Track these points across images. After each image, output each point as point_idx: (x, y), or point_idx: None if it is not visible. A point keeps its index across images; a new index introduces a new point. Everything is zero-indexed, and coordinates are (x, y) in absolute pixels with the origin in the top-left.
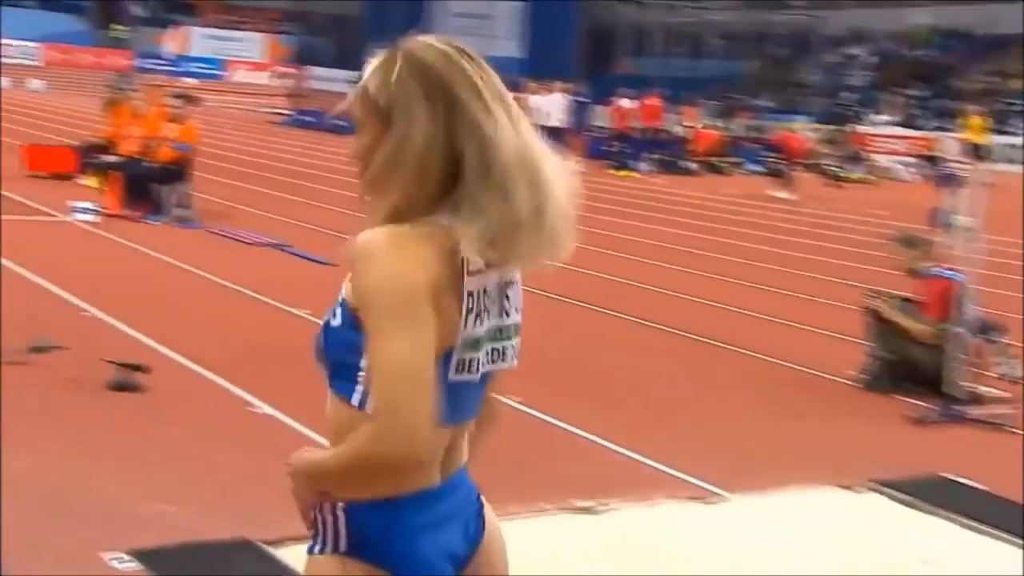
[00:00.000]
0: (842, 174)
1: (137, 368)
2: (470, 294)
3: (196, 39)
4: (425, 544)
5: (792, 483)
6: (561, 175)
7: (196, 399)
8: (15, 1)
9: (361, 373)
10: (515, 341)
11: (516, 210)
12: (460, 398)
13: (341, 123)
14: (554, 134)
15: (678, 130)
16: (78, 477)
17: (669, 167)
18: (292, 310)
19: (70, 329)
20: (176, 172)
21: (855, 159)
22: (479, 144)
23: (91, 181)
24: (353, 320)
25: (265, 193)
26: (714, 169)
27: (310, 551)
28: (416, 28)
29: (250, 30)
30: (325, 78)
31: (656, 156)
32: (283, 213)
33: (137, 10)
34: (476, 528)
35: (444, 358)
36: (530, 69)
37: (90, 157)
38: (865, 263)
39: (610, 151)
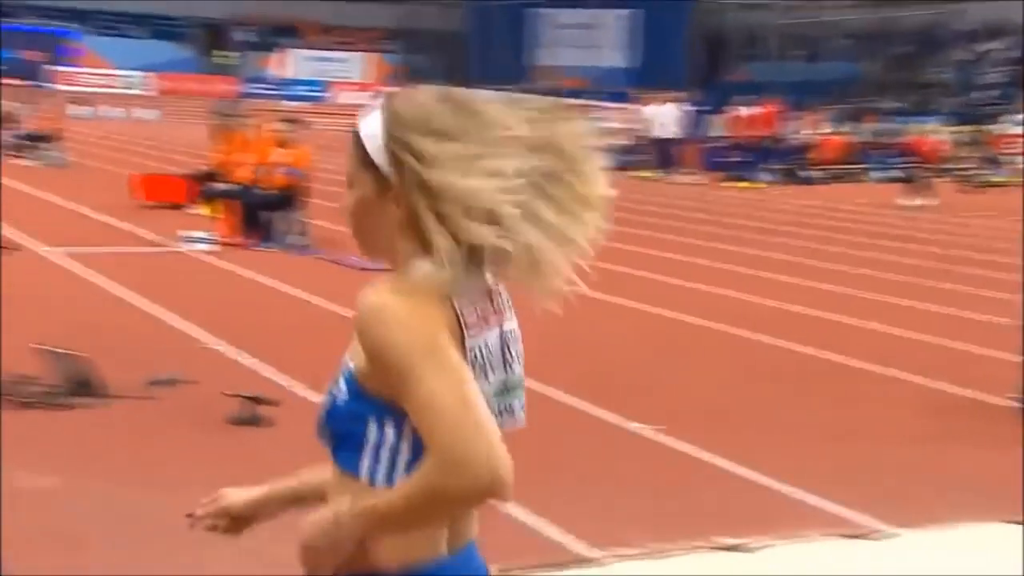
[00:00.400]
0: (981, 178)
1: (262, 401)
2: (472, 349)
3: (299, 62)
4: None
5: (960, 518)
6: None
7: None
8: (122, 31)
9: (368, 444)
10: (521, 394)
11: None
12: None
13: None
14: (667, 146)
15: (798, 137)
16: None
17: (790, 177)
18: None
19: (189, 362)
20: (289, 198)
21: (993, 162)
22: (451, 202)
23: (203, 210)
24: (359, 390)
25: None
26: (837, 177)
27: None
28: (520, 41)
29: (352, 50)
30: None
31: (777, 166)
32: None
33: (241, 35)
34: None
35: None
36: (640, 78)
37: (202, 185)
38: (1015, 273)
39: (728, 162)
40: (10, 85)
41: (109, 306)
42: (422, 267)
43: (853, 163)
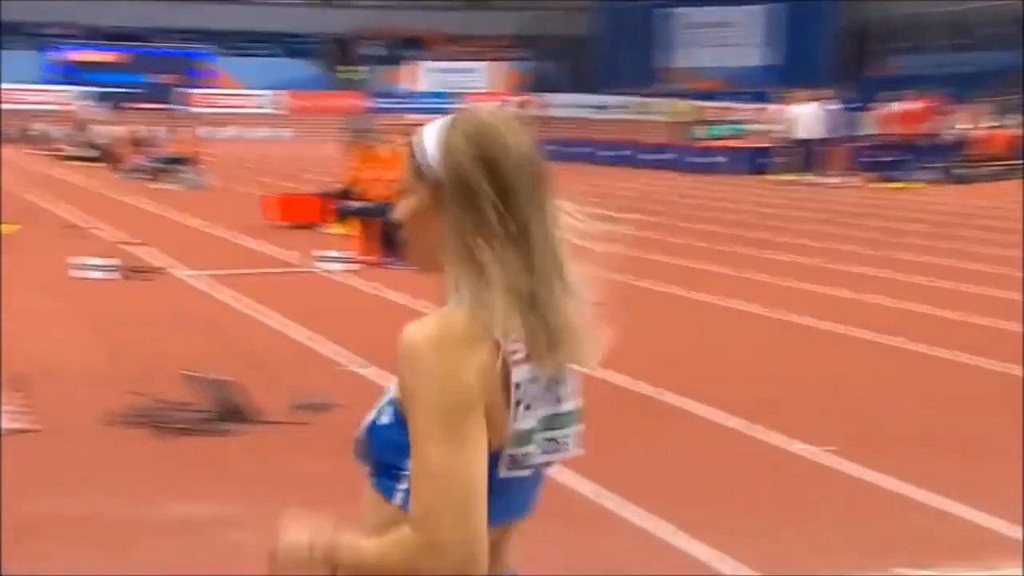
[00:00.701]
0: None
1: None
2: (518, 385)
3: (426, 74)
4: None
5: None
6: (579, 280)
7: None
8: (253, 51)
9: (404, 473)
10: (574, 429)
11: (551, 312)
12: (510, 495)
13: (580, 151)
14: (812, 146)
15: (955, 133)
16: None
17: (948, 175)
18: None
19: (332, 384)
20: None
21: None
22: (522, 239)
23: (337, 228)
24: (401, 419)
25: None
26: (998, 175)
27: None
28: (650, 43)
29: (480, 59)
30: (560, 104)
31: (934, 164)
32: None
33: (367, 49)
34: None
35: (492, 457)
36: (781, 76)
37: (336, 204)
38: None
39: (880, 161)
40: (146, 109)
41: (251, 329)
42: (466, 300)
43: (1019, 159)
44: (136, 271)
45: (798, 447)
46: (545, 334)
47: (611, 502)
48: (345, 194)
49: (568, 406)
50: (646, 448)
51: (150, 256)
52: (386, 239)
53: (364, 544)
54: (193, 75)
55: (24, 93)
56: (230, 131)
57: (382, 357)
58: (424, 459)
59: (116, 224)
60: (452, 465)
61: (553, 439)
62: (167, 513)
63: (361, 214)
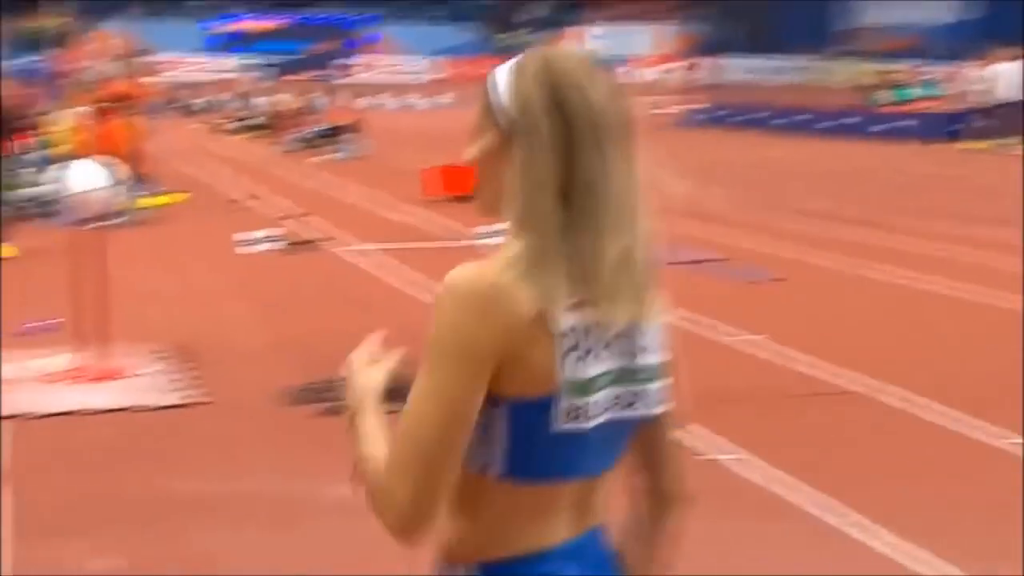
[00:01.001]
0: None
1: None
2: (566, 333)
3: (590, 38)
4: None
5: None
6: (650, 229)
7: None
8: (415, 17)
9: (476, 437)
10: (657, 384)
11: (610, 264)
12: (579, 449)
13: (753, 117)
14: (1014, 110)
15: None
16: None
17: None
18: (747, 336)
19: None
20: None
21: None
22: (586, 188)
23: None
24: None
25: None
26: None
27: None
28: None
29: (647, 21)
30: (732, 67)
31: None
32: (713, 222)
33: (529, 13)
34: None
35: (542, 406)
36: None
37: None
38: None
39: None
40: (307, 78)
41: (415, 304)
42: (520, 247)
43: None
44: (300, 244)
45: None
46: (602, 287)
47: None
48: None
49: (647, 360)
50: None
51: (313, 228)
52: None
53: (370, 434)
54: (353, 43)
55: (187, 64)
56: (389, 100)
57: None
58: (412, 401)
59: (279, 195)
60: (435, 417)
61: (630, 393)
62: (333, 493)
63: None
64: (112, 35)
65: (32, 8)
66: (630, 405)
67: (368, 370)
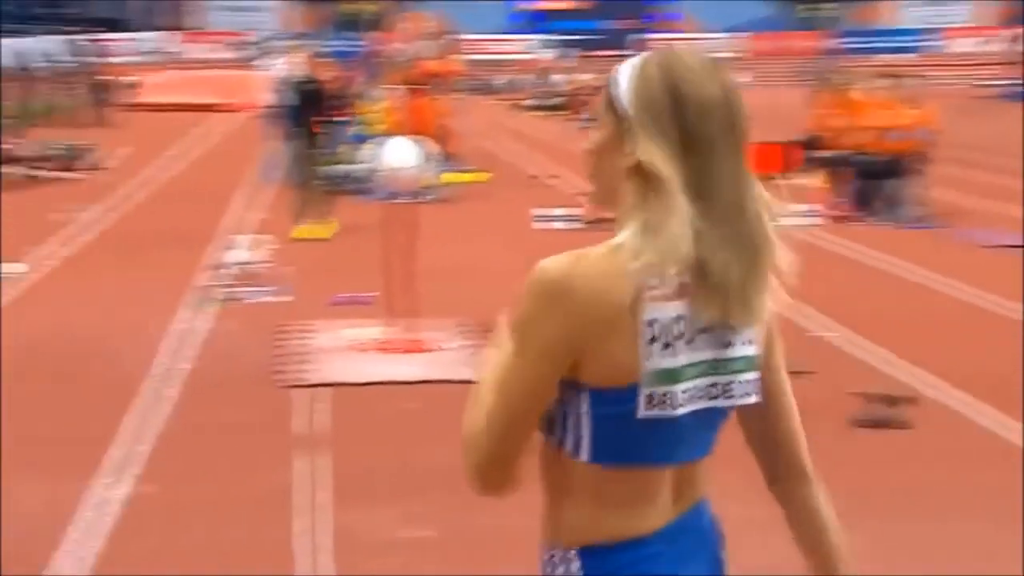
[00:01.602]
0: None
1: (898, 401)
2: (651, 323)
3: (902, 9)
4: None
5: None
6: (765, 227)
7: (961, 440)
8: None
9: (568, 420)
10: (747, 376)
11: (714, 260)
12: (668, 436)
13: None
14: None
15: None
16: None
17: None
18: None
19: (800, 351)
20: (905, 165)
21: None
22: (698, 184)
23: (804, 180)
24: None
25: (1005, 185)
26: None
27: None
28: None
29: None
30: None
31: None
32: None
33: None
34: (719, 567)
35: (625, 393)
36: None
37: (802, 153)
38: None
39: None
40: (606, 56)
41: None
42: (629, 236)
43: None
44: (596, 222)
45: None
46: (701, 280)
47: None
48: (812, 143)
49: (739, 352)
50: None
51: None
52: (858, 192)
53: (485, 399)
54: (650, 19)
55: (490, 43)
56: None
57: (855, 323)
58: (493, 371)
59: (576, 173)
60: (505, 395)
61: (716, 384)
62: None
63: (830, 164)
64: (424, 16)
65: None
66: (721, 395)
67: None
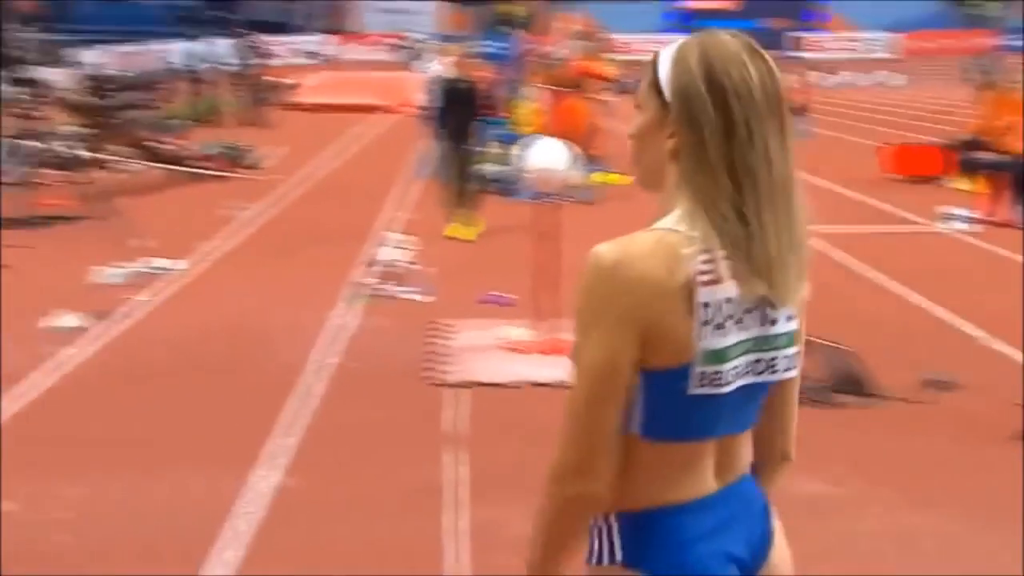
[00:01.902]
0: None
1: None
2: (706, 305)
3: None
4: (702, 554)
5: None
6: (804, 207)
7: None
8: None
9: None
10: (790, 350)
11: (759, 241)
12: (714, 412)
13: None
14: None
15: None
16: (976, 542)
17: None
18: None
19: (965, 362)
20: None
21: None
22: (741, 167)
23: (963, 183)
24: None
25: None
26: None
27: (587, 561)
28: None
29: None
30: None
31: None
32: None
33: None
34: (761, 540)
35: (679, 373)
36: None
37: (961, 156)
38: None
39: None
40: None
41: (867, 292)
42: (672, 220)
43: None
44: None
45: None
46: (747, 261)
47: None
48: (973, 145)
49: (781, 328)
50: None
51: None
52: (1020, 196)
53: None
54: (807, 18)
55: (643, 43)
56: (841, 77)
57: (1019, 332)
58: (573, 367)
59: None
60: (579, 387)
61: (760, 360)
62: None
63: (991, 168)
64: (575, 17)
65: None
66: (766, 370)
67: None
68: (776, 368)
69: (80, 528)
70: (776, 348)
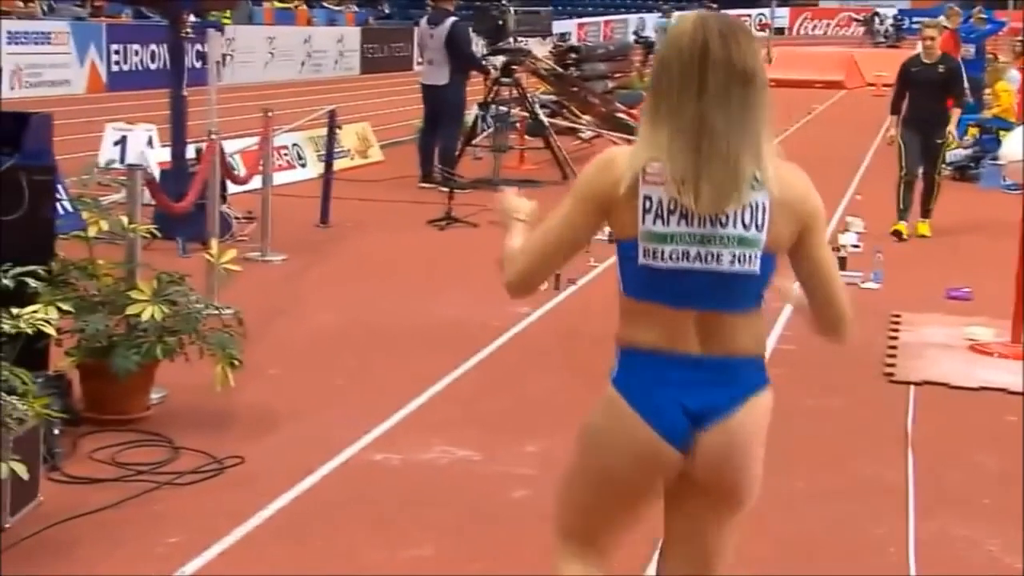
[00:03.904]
0: None
1: None
2: (647, 197)
3: None
4: (654, 391)
5: None
6: (742, 162)
7: None
8: None
9: (617, 265)
10: (740, 251)
11: (681, 162)
12: (661, 281)
13: None
14: None
15: None
16: None
17: None
18: None
19: None
20: None
21: None
22: (701, 116)
23: None
24: None
25: None
26: None
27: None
28: None
29: None
30: None
31: None
32: None
33: None
34: (723, 408)
35: (631, 244)
36: None
37: None
38: None
39: None
40: None
41: None
42: (636, 139)
43: None
44: None
45: None
46: (683, 177)
47: None
48: None
49: (731, 231)
50: None
51: None
52: None
53: (512, 236)
54: None
55: None
56: None
57: None
58: (548, 216)
59: None
60: (548, 226)
61: (703, 252)
62: None
63: None
64: None
65: None
66: (712, 261)
67: (515, 201)
68: (722, 261)
69: (538, 484)
70: (723, 246)
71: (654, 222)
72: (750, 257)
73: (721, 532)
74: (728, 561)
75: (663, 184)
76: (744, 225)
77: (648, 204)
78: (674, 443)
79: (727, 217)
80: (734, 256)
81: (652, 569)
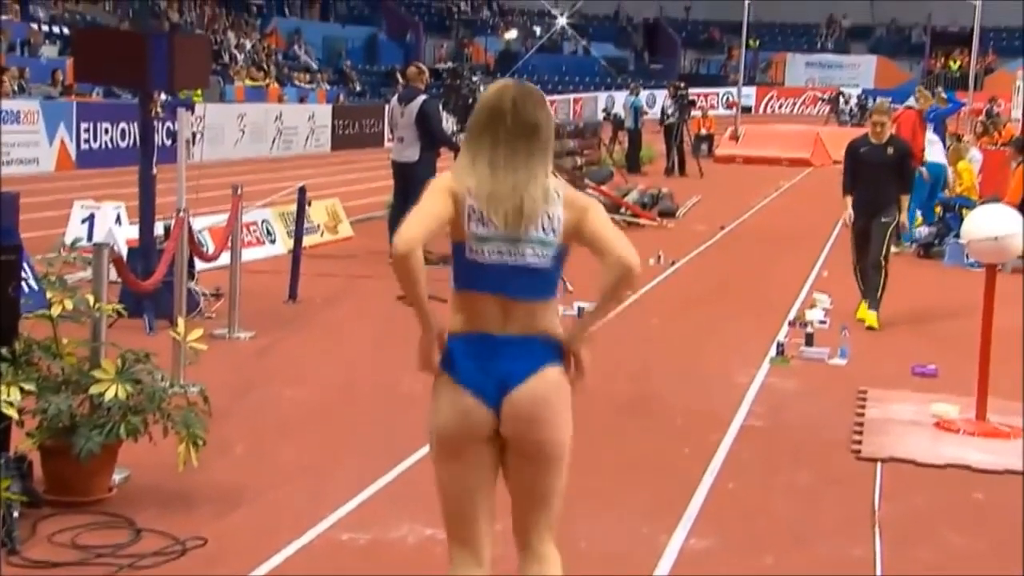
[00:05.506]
0: None
1: None
2: (471, 207)
3: None
4: (464, 363)
5: None
6: (528, 189)
7: None
8: None
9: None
10: (538, 250)
11: (486, 187)
12: (483, 274)
13: None
14: None
15: None
16: None
17: None
18: None
19: None
20: None
21: None
22: (492, 158)
23: None
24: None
25: None
26: None
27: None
28: None
29: None
30: None
31: None
32: None
33: None
34: (516, 376)
35: (462, 246)
36: None
37: None
38: None
39: None
40: None
41: None
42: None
43: None
44: None
45: None
46: (489, 197)
47: None
48: None
49: (533, 236)
50: None
51: None
52: None
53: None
54: None
55: None
56: None
57: None
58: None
59: None
60: (420, 204)
61: (511, 251)
62: None
63: None
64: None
65: None
66: (519, 257)
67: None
68: (525, 257)
69: (508, 564)
70: (527, 245)
71: (476, 227)
72: (546, 254)
73: (545, 480)
74: (557, 505)
75: (480, 198)
76: (544, 231)
77: (471, 213)
78: (487, 402)
79: (534, 228)
80: (534, 255)
81: (662, 571)
